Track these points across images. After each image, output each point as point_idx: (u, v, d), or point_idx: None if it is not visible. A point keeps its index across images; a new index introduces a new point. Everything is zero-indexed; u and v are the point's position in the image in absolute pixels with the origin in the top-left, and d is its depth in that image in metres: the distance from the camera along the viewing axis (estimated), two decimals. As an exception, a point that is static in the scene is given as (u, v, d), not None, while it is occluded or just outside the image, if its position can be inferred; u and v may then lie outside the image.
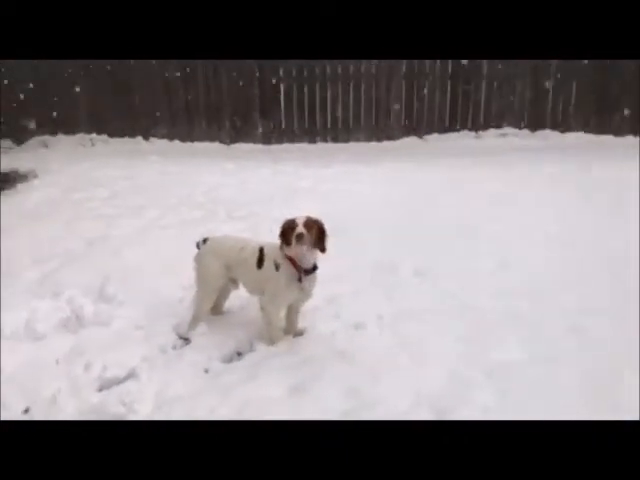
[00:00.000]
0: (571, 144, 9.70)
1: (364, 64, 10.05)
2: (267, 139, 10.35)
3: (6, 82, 9.62)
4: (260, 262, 3.44)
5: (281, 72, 10.06)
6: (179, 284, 4.20)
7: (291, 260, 3.31)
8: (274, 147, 10.21)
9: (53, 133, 10.16)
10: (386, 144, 10.24)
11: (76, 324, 3.74)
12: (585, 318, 3.68)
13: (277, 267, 3.35)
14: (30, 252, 5.04)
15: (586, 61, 9.67)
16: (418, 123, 10.31)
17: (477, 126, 10.29)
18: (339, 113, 10.33)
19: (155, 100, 10.15)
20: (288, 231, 3.22)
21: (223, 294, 3.83)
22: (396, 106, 10.25)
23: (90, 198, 6.75)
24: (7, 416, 2.88)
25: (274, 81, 10.10)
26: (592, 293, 4.04)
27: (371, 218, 5.84)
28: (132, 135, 10.20)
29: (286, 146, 10.26)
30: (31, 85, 9.82)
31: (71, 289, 4.10)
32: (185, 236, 4.67)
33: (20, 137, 10.03)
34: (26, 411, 2.96)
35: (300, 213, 3.34)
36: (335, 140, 10.40)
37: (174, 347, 3.55)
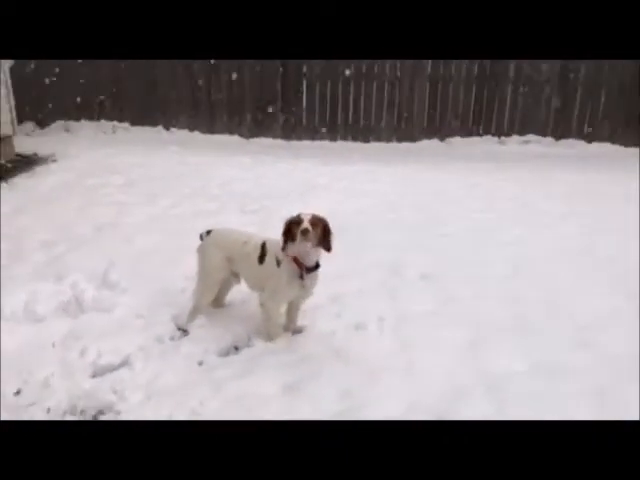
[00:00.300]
0: (596, 154, 9.49)
1: (388, 64, 9.94)
2: (287, 135, 10.31)
3: (32, 66, 9.71)
4: (262, 257, 3.39)
5: (305, 68, 10.01)
6: (183, 274, 4.17)
7: (293, 256, 3.25)
8: (294, 143, 10.16)
9: (76, 119, 10.24)
10: (407, 145, 10.12)
11: (76, 309, 3.73)
12: (597, 333, 3.57)
13: (278, 263, 3.29)
14: (40, 235, 5.07)
15: (616, 67, 9.45)
16: (441, 126, 10.18)
17: (500, 132, 10.12)
18: (361, 112, 10.24)
19: (178, 91, 10.16)
20: (293, 226, 3.16)
21: (225, 287, 3.78)
22: (419, 107, 10.12)
23: (105, 184, 6.77)
24: (-2, 397, 2.88)
25: (297, 77, 10.04)
26: (607, 308, 3.91)
27: (384, 219, 5.77)
28: (153, 124, 10.24)
29: (306, 142, 10.19)
30: (57, 70, 9.90)
31: (75, 273, 4.09)
32: (195, 227, 4.63)
33: (43, 121, 10.13)
34: (17, 393, 2.95)
35: (309, 210, 3.27)
36: (355, 139, 10.31)
37: (172, 338, 3.52)
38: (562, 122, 10.02)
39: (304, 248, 3.19)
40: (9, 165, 7.30)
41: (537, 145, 9.97)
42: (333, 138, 10.34)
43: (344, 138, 10.34)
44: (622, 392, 2.92)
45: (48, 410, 2.84)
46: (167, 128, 10.26)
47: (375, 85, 10.09)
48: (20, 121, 8.87)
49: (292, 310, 3.55)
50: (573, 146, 9.92)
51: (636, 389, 2.92)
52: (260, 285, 3.46)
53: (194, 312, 3.64)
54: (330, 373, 3.12)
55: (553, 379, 3.04)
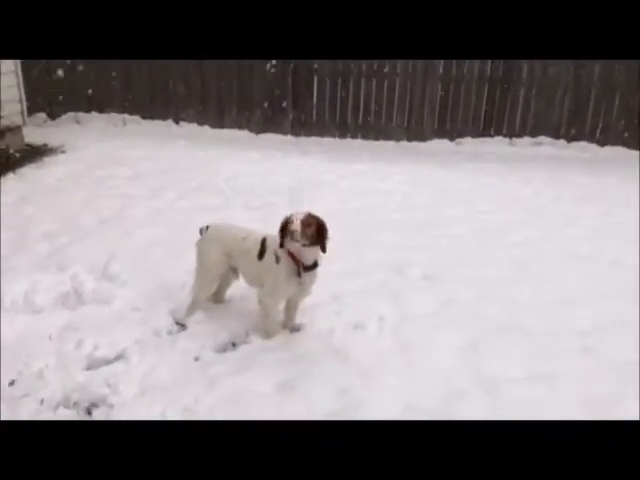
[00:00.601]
0: (608, 158, 9.34)
1: (400, 63, 9.86)
2: (296, 131, 10.26)
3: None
4: (262, 253, 3.36)
5: (315, 65, 9.95)
6: (185, 268, 4.12)
7: (291, 254, 3.22)
8: (302, 139, 10.11)
9: (87, 110, 10.27)
10: (416, 145, 10.03)
11: (75, 300, 3.73)
12: (599, 339, 3.50)
13: (277, 259, 3.26)
14: (44, 225, 5.08)
15: (632, 68, 9.31)
16: (451, 126, 10.09)
17: (512, 133, 10.01)
18: (371, 110, 10.17)
19: (189, 85, 10.15)
20: (286, 226, 3.13)
21: (225, 282, 3.76)
22: (430, 107, 10.04)
23: (112, 176, 6.77)
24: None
25: (308, 73, 10.00)
26: (611, 314, 3.83)
27: (389, 218, 5.71)
28: (164, 118, 10.25)
29: (315, 139, 10.13)
30: (68, 62, 9.93)
31: (76, 265, 4.09)
32: (199, 221, 4.61)
33: (54, 113, 10.17)
34: (11, 383, 2.95)
35: (310, 209, 3.23)
36: (365, 137, 10.23)
37: (169, 332, 3.51)
38: (575, 124, 9.89)
39: (294, 247, 3.16)
40: (18, 155, 7.30)
41: (549, 147, 9.84)
42: (343, 135, 10.27)
43: (354, 136, 10.27)
44: (622, 399, 2.86)
45: (42, 401, 2.84)
46: (177, 122, 10.26)
47: (386, 84, 10.01)
48: (32, 112, 8.92)
49: (290, 308, 3.52)
50: (586, 149, 9.77)
51: (636, 397, 2.86)
52: (258, 281, 3.43)
53: (192, 307, 3.62)
54: (327, 372, 3.09)
55: (552, 385, 2.99)
